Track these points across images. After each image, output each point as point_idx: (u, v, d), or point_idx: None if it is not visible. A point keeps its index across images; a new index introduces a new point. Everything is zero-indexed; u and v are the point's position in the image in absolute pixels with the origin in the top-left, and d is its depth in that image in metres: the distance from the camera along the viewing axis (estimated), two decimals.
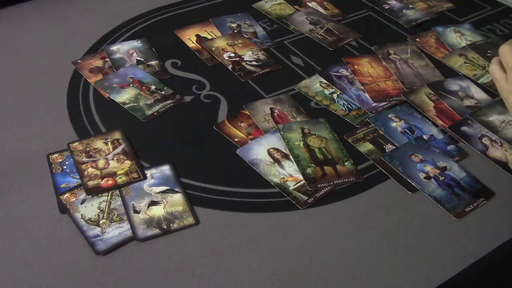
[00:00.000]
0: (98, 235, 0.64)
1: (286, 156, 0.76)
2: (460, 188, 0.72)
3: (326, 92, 0.88)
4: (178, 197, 0.70)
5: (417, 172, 0.74)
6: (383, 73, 0.93)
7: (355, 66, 0.94)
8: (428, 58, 0.97)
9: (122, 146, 0.77)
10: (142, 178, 0.71)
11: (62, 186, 0.70)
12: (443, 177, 0.73)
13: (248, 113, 0.83)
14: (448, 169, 0.74)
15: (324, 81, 0.91)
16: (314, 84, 0.90)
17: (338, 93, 0.88)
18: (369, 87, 0.89)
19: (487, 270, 0.64)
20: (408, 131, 0.81)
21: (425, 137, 0.79)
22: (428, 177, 0.73)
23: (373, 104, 0.86)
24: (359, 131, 0.81)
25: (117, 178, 0.71)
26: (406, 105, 0.86)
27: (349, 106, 0.85)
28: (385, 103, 0.86)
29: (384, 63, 0.95)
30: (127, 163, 0.74)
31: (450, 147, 0.78)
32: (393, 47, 0.99)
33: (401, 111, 0.84)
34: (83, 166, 0.73)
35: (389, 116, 0.83)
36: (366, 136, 0.80)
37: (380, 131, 0.80)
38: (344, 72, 0.93)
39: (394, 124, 0.82)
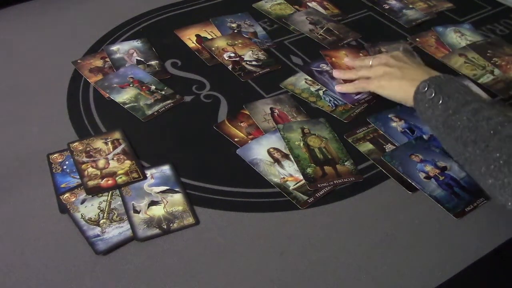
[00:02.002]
0: (98, 235, 0.64)
1: (286, 156, 0.76)
2: (460, 187, 0.72)
3: (312, 89, 0.89)
4: (178, 197, 0.70)
5: (417, 172, 0.74)
6: None
7: (333, 59, 0.95)
8: (428, 58, 0.97)
9: (122, 146, 0.77)
10: (142, 178, 0.71)
11: (62, 186, 0.70)
12: (443, 177, 0.73)
13: (248, 113, 0.83)
14: (448, 168, 0.74)
15: (310, 78, 0.91)
16: (300, 81, 0.91)
17: (324, 89, 0.88)
18: None
19: (487, 270, 0.64)
20: (408, 131, 0.81)
21: (425, 137, 0.79)
22: (428, 177, 0.73)
23: (355, 97, 0.87)
24: (359, 130, 0.81)
25: (117, 178, 0.71)
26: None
27: (336, 102, 0.86)
28: (367, 94, 0.87)
29: None
30: (127, 163, 0.74)
31: None
32: (385, 45, 1.00)
33: (401, 110, 0.84)
34: (83, 166, 0.73)
35: (389, 116, 0.83)
36: (366, 136, 0.80)
37: (380, 131, 0.80)
38: (325, 67, 0.93)
39: (394, 124, 0.82)
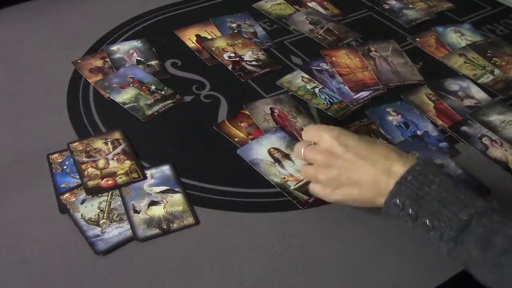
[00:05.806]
0: (98, 235, 0.64)
1: (286, 156, 0.76)
2: None
3: (308, 86, 0.89)
4: (178, 197, 0.69)
5: None
6: (360, 64, 0.95)
7: (333, 58, 0.95)
8: (428, 58, 0.97)
9: (122, 146, 0.77)
10: (142, 178, 0.71)
11: (62, 186, 0.70)
12: None
13: (248, 113, 0.83)
14: (444, 166, 0.74)
15: (306, 76, 0.91)
16: (296, 79, 0.91)
17: (320, 87, 0.89)
18: (347, 77, 0.91)
19: None
20: (403, 126, 0.81)
21: (419, 132, 0.79)
22: None
23: (354, 97, 0.87)
24: (351, 125, 0.81)
25: (117, 178, 0.71)
26: (407, 101, 0.86)
27: (331, 99, 0.86)
28: (366, 94, 0.87)
29: (364, 59, 0.96)
30: (127, 163, 0.74)
31: (442, 144, 0.78)
32: (374, 44, 1.00)
33: (401, 106, 0.85)
34: (83, 166, 0.73)
35: (388, 110, 0.84)
36: (359, 130, 0.80)
37: (373, 126, 0.80)
38: (324, 66, 0.94)
39: (390, 118, 0.82)
